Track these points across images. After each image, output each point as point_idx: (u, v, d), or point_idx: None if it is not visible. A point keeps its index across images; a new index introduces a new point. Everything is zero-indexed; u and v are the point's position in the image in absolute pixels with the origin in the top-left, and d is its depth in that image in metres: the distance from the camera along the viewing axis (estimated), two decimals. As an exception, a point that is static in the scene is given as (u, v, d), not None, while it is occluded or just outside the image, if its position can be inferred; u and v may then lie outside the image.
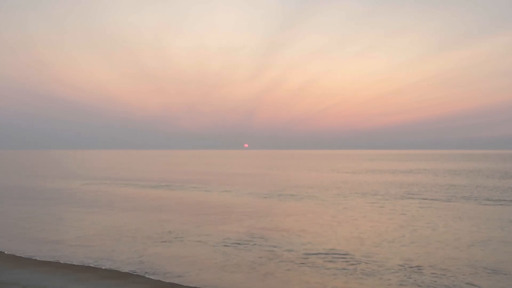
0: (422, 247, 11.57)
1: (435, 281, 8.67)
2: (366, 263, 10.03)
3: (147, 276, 9.30)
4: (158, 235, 13.31)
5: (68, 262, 10.59)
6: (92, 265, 10.24)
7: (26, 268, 9.99)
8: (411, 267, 9.66)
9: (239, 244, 12.10)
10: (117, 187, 31.05)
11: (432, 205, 20.52)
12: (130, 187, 31.08)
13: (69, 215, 17.52)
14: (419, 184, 32.77)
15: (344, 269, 9.50)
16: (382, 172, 42.81)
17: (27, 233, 13.90)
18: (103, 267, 10.04)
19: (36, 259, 10.91)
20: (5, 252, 11.60)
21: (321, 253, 10.89)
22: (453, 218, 16.50)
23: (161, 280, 9.02)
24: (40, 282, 8.79)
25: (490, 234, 13.35)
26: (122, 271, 9.75)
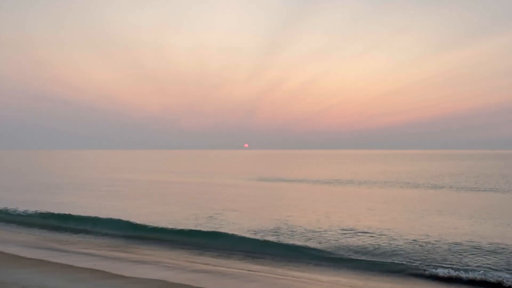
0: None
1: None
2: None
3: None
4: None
5: (67, 263, 10.61)
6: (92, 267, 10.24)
7: (26, 268, 9.97)
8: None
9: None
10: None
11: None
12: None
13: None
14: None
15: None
16: (390, 184, 34.12)
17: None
18: (103, 269, 10.05)
19: (36, 259, 10.92)
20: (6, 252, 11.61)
21: None
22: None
23: (165, 280, 9.04)
24: (40, 282, 8.78)
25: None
26: (122, 271, 9.77)
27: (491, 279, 9.08)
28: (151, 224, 15.45)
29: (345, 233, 13.74)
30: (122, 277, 9.31)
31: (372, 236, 13.24)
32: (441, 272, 9.57)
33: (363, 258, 11.00)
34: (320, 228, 14.65)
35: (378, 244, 12.15)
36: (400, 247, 11.86)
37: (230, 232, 13.94)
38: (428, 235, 13.29)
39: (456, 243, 12.12)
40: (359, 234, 13.63)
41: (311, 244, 12.39)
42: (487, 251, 11.31)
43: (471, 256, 10.85)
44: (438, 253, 11.20)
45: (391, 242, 12.39)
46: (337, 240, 12.78)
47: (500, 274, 9.32)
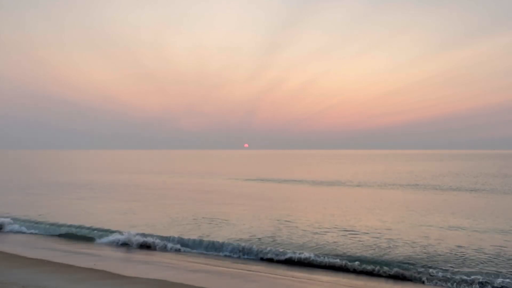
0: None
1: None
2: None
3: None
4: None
5: (67, 262, 10.60)
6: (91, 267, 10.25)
7: (26, 268, 9.96)
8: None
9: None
10: None
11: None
12: None
13: None
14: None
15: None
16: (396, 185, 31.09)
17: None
18: (103, 268, 10.05)
19: (36, 259, 10.91)
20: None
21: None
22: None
23: (166, 279, 9.03)
24: (40, 282, 8.77)
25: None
26: (122, 271, 9.76)
27: (494, 284, 8.92)
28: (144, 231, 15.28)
29: (345, 235, 13.70)
30: (122, 277, 9.30)
31: (372, 238, 13.19)
32: (441, 275, 9.47)
33: (362, 260, 10.79)
34: (319, 229, 14.64)
35: (378, 246, 12.07)
36: (400, 249, 11.78)
37: (228, 240, 12.72)
38: (428, 237, 13.24)
39: (458, 246, 12.01)
40: (359, 235, 13.59)
41: (310, 244, 12.32)
42: (489, 254, 11.21)
43: (472, 259, 10.74)
44: (439, 255, 11.08)
45: (391, 244, 12.30)
46: (336, 242, 12.72)
47: (501, 279, 9.17)
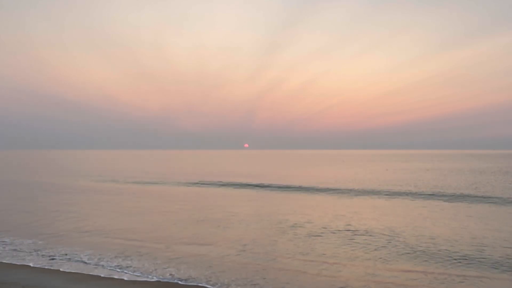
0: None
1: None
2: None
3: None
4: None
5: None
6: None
7: (26, 268, 9.96)
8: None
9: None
10: None
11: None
12: None
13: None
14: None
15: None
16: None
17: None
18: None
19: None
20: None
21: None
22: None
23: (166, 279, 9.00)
24: (40, 282, 8.77)
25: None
26: (122, 271, 9.74)
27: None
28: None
29: (342, 237, 13.64)
30: (120, 277, 9.28)
31: (371, 242, 13.09)
32: None
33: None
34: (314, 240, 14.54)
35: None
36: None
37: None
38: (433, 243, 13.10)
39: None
40: (359, 237, 13.50)
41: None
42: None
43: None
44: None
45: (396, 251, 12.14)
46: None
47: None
